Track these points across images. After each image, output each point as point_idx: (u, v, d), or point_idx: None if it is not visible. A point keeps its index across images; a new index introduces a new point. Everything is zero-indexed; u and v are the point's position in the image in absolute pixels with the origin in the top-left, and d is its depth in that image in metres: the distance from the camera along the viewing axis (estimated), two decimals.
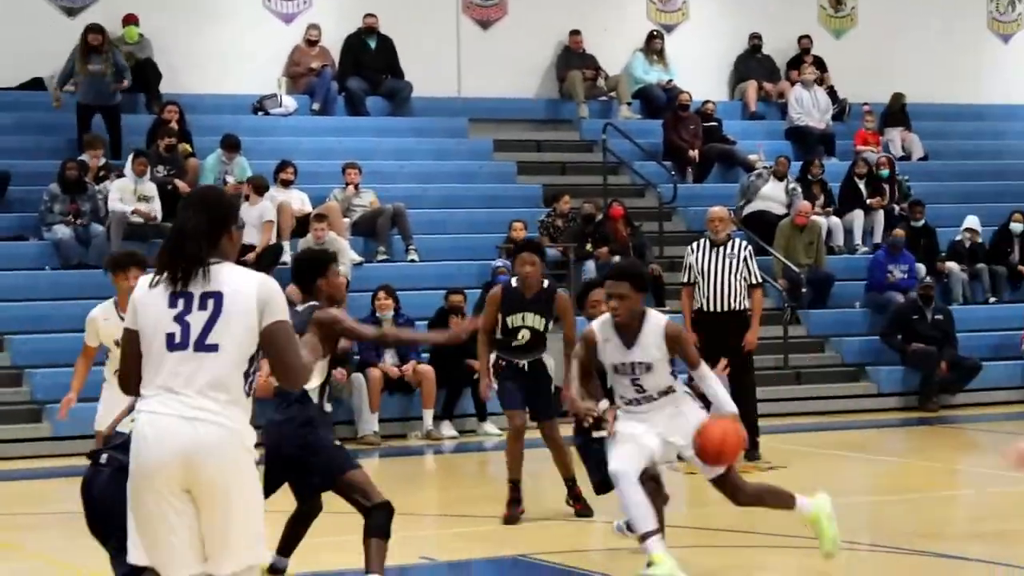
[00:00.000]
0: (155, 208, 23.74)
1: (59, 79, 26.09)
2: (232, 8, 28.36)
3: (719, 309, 18.84)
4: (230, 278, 7.67)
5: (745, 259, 19.00)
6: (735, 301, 18.83)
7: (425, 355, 22.38)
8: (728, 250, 19.02)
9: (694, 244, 19.43)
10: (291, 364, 7.80)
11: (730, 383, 19.19)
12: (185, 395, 7.61)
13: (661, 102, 29.77)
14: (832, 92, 30.87)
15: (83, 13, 27.43)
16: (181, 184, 24.37)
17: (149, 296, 7.66)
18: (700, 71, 30.75)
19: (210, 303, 7.58)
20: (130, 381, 7.80)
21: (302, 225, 23.98)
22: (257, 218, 23.58)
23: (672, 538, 12.38)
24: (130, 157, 24.11)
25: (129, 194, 23.68)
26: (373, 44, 28.67)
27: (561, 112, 29.76)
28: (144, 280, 7.78)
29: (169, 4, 27.31)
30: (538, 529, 14.76)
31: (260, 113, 27.80)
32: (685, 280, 19.25)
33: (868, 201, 27.94)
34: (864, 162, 28.46)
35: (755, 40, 31.18)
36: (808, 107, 30.30)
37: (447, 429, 22.11)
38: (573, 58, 29.78)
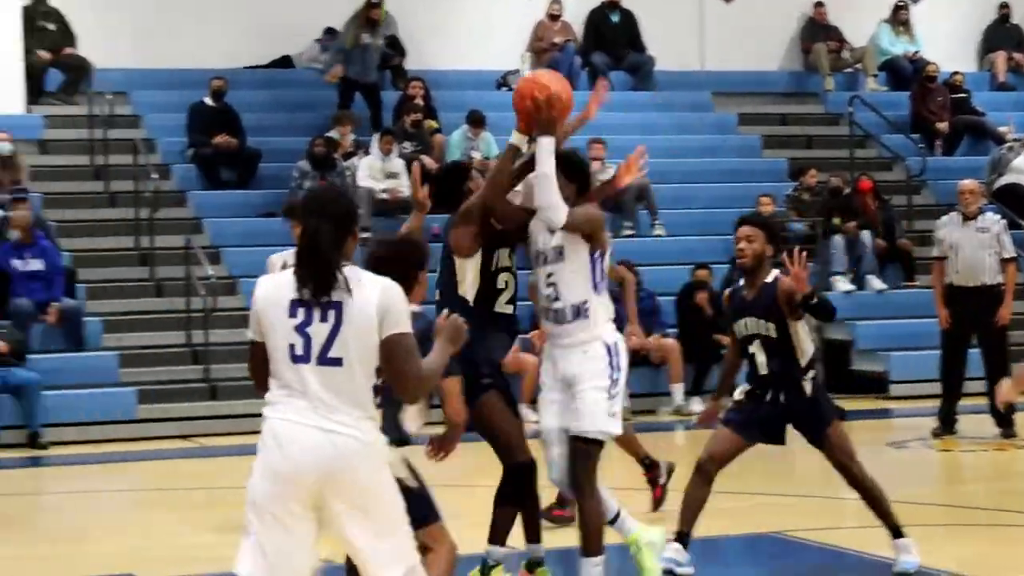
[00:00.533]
0: (402, 184, 24.01)
1: (332, 55, 26.57)
2: None
3: (971, 284, 18.69)
4: (354, 285, 7.60)
5: (998, 233, 18.84)
6: (987, 275, 18.66)
7: (672, 329, 22.45)
8: (979, 224, 18.89)
9: (944, 218, 19.34)
10: (408, 376, 7.70)
11: (984, 359, 19.15)
12: (317, 406, 7.60)
13: (907, 73, 29.58)
14: None
15: None
16: (427, 160, 24.56)
17: (269, 304, 7.64)
18: (947, 42, 30.49)
19: (331, 315, 7.55)
20: (256, 382, 7.81)
21: None
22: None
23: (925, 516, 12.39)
24: (376, 135, 24.41)
25: (377, 171, 24.00)
26: (615, 18, 28.78)
27: (806, 85, 29.68)
28: (264, 287, 7.75)
29: None
30: (793, 505, 14.76)
31: (504, 88, 27.92)
32: (936, 254, 19.17)
33: None
34: None
35: (1004, 9, 30.90)
36: None
37: (696, 405, 22.12)
38: (817, 30, 29.69)
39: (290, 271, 7.63)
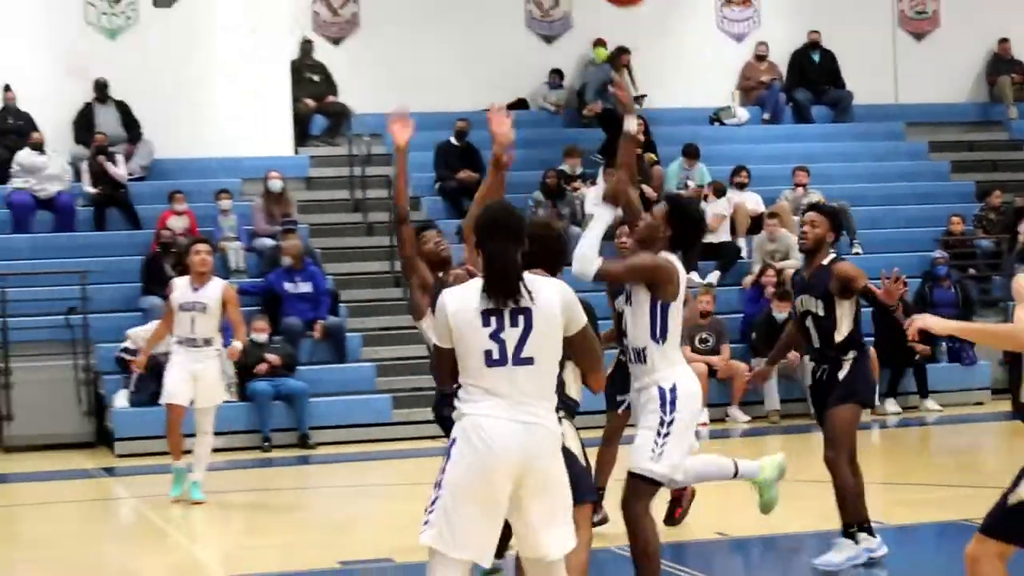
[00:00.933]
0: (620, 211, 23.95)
1: (593, 93, 26.80)
2: (689, 29, 28.47)
3: None
4: (535, 292, 7.71)
5: None
6: None
7: (869, 337, 22.21)
8: None
9: None
10: (599, 362, 8.05)
11: None
12: (514, 401, 7.70)
13: None
14: None
15: (559, 40, 27.87)
16: (648, 189, 24.47)
17: (460, 316, 7.70)
18: None
19: (520, 319, 7.63)
20: (441, 378, 8.04)
21: (756, 223, 24.03)
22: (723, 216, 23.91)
23: None
24: (600, 168, 24.37)
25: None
26: (817, 57, 28.58)
27: (991, 114, 29.24)
28: (453, 300, 7.80)
29: (632, 28, 27.48)
30: (983, 495, 14.53)
31: (716, 123, 27.90)
32: None
33: None
34: None
35: None
36: None
37: (891, 406, 21.89)
38: (1002, 64, 29.27)
39: (473, 284, 7.72)
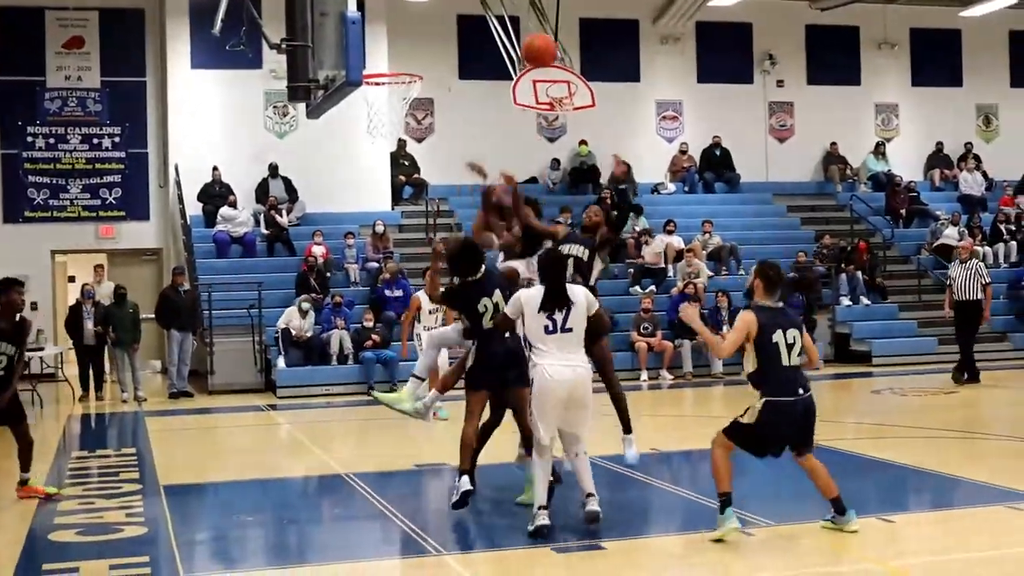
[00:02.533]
0: None
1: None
2: (639, 133, 28.48)
3: (966, 299, 19.03)
4: (572, 294, 8.71)
5: (978, 270, 19.12)
6: (974, 295, 18.99)
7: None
8: (968, 265, 19.16)
9: (952, 263, 19.82)
10: (608, 326, 9.68)
11: (965, 340, 19.13)
12: (564, 354, 8.65)
13: (883, 182, 28.97)
14: (985, 174, 29.67)
15: (558, 140, 27.95)
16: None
17: (529, 305, 8.66)
18: (906, 164, 29.84)
19: (565, 308, 8.65)
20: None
21: (679, 255, 24.05)
22: (658, 251, 23.89)
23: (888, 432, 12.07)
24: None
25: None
26: (718, 152, 28.58)
27: (825, 189, 29.05)
28: (526, 295, 8.73)
29: (604, 134, 27.49)
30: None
31: (655, 193, 27.92)
32: (948, 283, 19.51)
33: (1005, 237, 26.83)
34: (1003, 214, 27.42)
35: (939, 145, 30.19)
36: (971, 183, 29.28)
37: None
38: (832, 158, 29.18)
39: (539, 289, 8.76)
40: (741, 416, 8.54)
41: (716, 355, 8.83)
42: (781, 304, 8.65)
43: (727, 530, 8.44)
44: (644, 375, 21.07)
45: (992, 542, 8.51)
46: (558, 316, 8.64)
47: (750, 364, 8.52)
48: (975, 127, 30.79)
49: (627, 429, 10.16)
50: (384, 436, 14.86)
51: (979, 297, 18.83)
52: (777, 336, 8.38)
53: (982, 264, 19.71)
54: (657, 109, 28.71)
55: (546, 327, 8.64)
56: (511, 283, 9.50)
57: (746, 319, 8.44)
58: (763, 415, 8.41)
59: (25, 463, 11.21)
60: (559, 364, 8.61)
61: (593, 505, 8.96)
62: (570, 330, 8.67)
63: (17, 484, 11.16)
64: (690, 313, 8.98)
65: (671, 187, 28.14)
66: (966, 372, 19.03)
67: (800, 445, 8.61)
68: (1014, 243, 26.72)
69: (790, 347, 8.41)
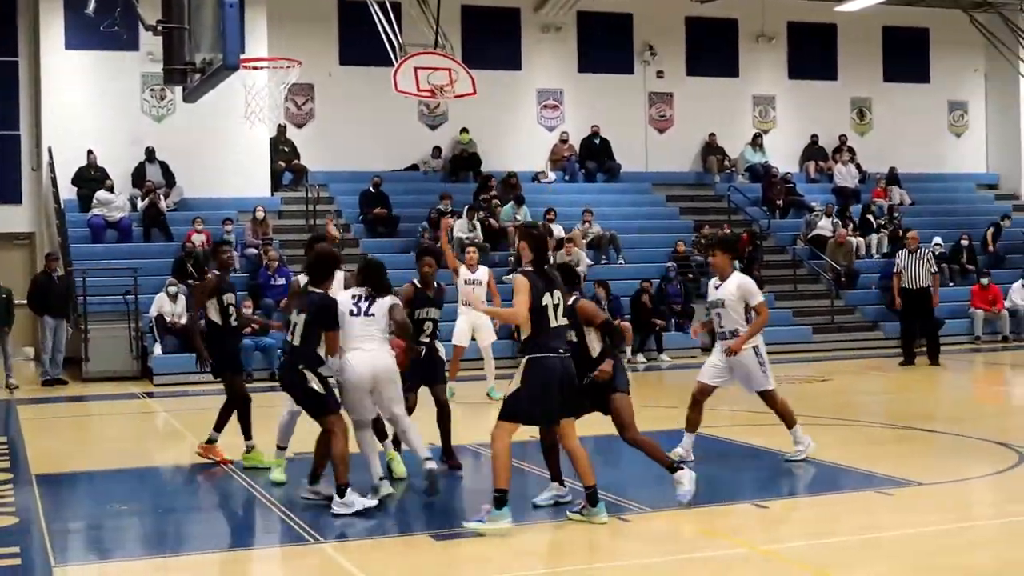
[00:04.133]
0: (479, 235, 24.01)
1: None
2: (519, 121, 28.57)
3: (914, 287, 19.94)
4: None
5: (927, 258, 20.09)
6: (922, 282, 19.93)
7: (628, 315, 22.45)
8: (918, 255, 20.07)
9: (900, 252, 20.54)
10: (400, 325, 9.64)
11: (919, 328, 20.17)
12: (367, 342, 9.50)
13: (760, 173, 29.38)
14: (858, 167, 30.32)
15: (439, 128, 27.91)
16: (493, 222, 24.65)
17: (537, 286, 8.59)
18: (783, 155, 30.31)
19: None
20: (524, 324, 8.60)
21: (559, 244, 24.12)
22: None
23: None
24: (466, 208, 24.44)
25: (465, 230, 24.01)
26: (598, 141, 28.76)
27: (704, 179, 29.45)
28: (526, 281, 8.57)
29: (485, 122, 27.57)
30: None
31: (535, 182, 28.02)
32: (896, 271, 20.26)
33: (876, 228, 27.46)
34: (875, 205, 28.05)
35: (814, 137, 30.74)
36: (845, 175, 29.89)
37: (640, 358, 22.16)
38: (711, 149, 29.57)
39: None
40: (508, 392, 8.64)
41: (516, 323, 8.66)
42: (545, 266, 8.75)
43: (498, 527, 8.39)
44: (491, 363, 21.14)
45: (863, 525, 8.71)
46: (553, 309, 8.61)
47: (525, 328, 8.55)
48: (849, 120, 31.42)
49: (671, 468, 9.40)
50: (263, 424, 14.76)
51: (927, 285, 19.61)
52: (546, 299, 8.55)
53: (931, 253, 20.50)
54: (538, 98, 28.81)
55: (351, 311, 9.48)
56: None
57: (522, 281, 8.57)
58: (528, 373, 8.50)
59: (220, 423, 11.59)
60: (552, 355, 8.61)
61: (429, 464, 9.64)
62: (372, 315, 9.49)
63: (204, 441, 11.59)
64: (475, 302, 9.49)
65: (552, 176, 28.26)
66: (905, 355, 20.14)
67: (564, 413, 8.68)
68: (884, 234, 27.32)
69: (556, 308, 8.61)
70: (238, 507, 10.04)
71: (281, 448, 10.64)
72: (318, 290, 9.44)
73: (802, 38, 30.72)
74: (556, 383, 8.51)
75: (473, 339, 16.45)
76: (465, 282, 15.68)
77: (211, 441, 11.62)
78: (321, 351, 9.30)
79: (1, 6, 24.60)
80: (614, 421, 9.31)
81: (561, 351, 8.59)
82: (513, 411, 8.53)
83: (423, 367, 10.67)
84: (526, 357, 8.55)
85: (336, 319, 9.25)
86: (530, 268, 8.67)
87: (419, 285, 10.85)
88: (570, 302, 8.96)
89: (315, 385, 9.25)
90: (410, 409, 10.26)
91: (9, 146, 24.59)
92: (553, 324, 8.55)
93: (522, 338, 8.66)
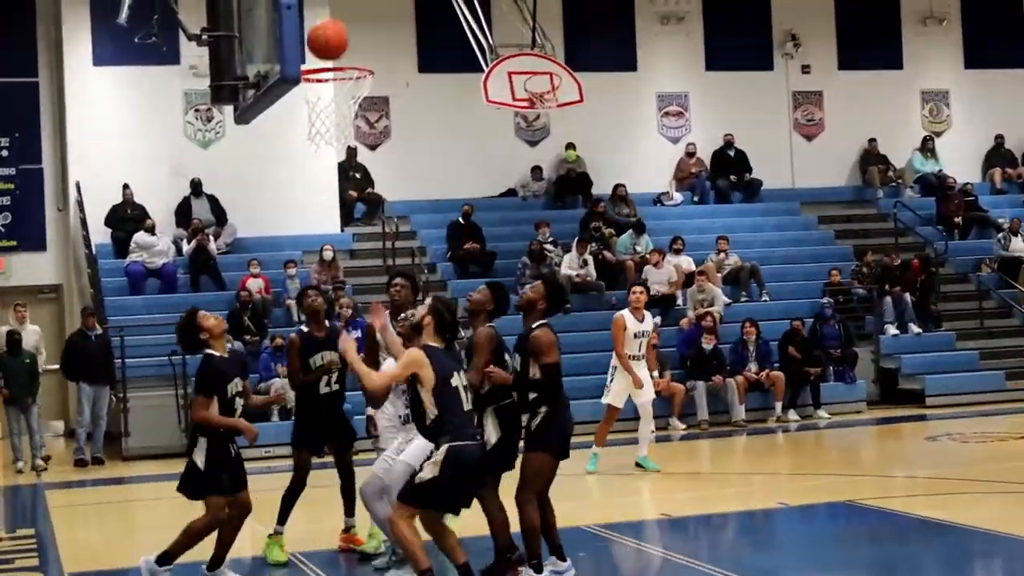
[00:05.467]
0: (591, 272, 24.05)
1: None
2: (638, 135, 28.55)
3: None
4: None
5: None
6: None
7: (776, 363, 22.26)
8: None
9: None
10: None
11: None
12: None
13: (934, 184, 29.06)
14: None
15: (540, 144, 27.99)
16: (608, 255, 24.65)
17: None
18: (961, 162, 29.88)
19: None
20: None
21: (690, 279, 24.09)
22: (665, 276, 23.82)
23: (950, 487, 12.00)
24: (575, 240, 24.44)
25: (574, 263, 24.04)
26: (732, 153, 28.66)
27: (864, 194, 29.16)
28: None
29: (595, 135, 27.63)
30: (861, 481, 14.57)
31: (658, 204, 28.00)
32: None
33: None
34: None
35: (999, 139, 30.33)
36: None
37: (792, 415, 21.95)
38: (871, 157, 29.30)
39: None
40: (417, 477, 8.97)
41: (367, 385, 9.17)
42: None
43: None
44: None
45: None
46: None
47: (431, 410, 8.90)
48: None
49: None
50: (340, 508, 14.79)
51: None
52: (455, 379, 8.99)
53: None
54: (658, 103, 28.82)
55: None
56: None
57: (415, 357, 8.93)
58: (447, 464, 8.83)
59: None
60: None
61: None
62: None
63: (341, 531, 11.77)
64: (347, 346, 9.44)
65: (677, 197, 28.19)
66: None
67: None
68: None
69: (465, 389, 9.08)
70: None
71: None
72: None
73: (981, 17, 30.37)
74: (475, 471, 9.02)
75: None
76: (635, 335, 15.70)
77: (348, 529, 11.81)
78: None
79: (18, 17, 25.15)
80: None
81: (479, 438, 9.19)
82: (426, 499, 8.93)
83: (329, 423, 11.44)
84: (447, 446, 8.85)
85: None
86: (429, 342, 9.05)
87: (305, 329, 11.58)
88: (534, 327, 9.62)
89: None
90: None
91: (31, 183, 25.07)
92: (466, 407, 9.06)
93: (421, 418, 9.01)
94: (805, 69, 29.50)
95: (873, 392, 23.21)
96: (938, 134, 30.16)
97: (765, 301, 24.69)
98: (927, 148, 29.77)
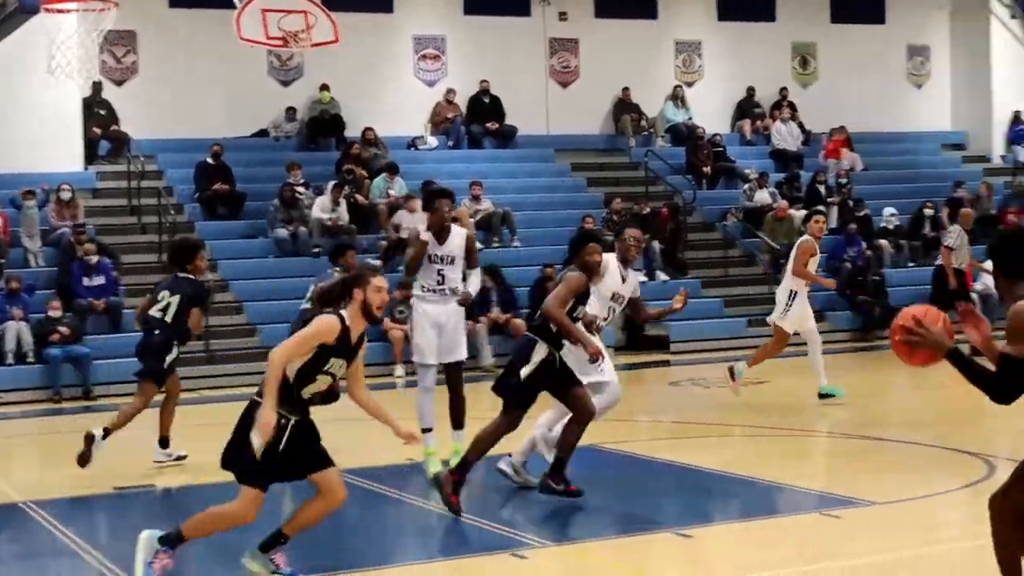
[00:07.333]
0: (343, 215, 24.01)
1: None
2: (394, 78, 28.49)
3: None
4: None
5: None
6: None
7: (525, 310, 22.53)
8: None
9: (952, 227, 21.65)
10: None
11: None
12: None
13: (684, 134, 29.74)
14: (801, 126, 30.73)
15: (294, 84, 27.76)
16: (360, 198, 24.62)
17: None
18: (711, 112, 30.64)
19: None
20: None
21: None
22: (420, 220, 23.83)
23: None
24: (330, 184, 24.32)
25: (326, 206, 23.97)
26: (487, 100, 28.81)
27: (616, 143, 29.73)
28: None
29: (350, 77, 27.51)
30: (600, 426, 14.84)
31: (412, 148, 28.02)
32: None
33: (827, 199, 27.79)
34: (823, 173, 28.44)
35: (750, 90, 31.12)
36: (785, 136, 30.29)
37: None
38: (624, 106, 29.78)
39: None
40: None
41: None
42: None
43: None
44: (400, 370, 21.13)
45: (797, 556, 8.83)
46: None
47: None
48: (790, 69, 31.86)
49: None
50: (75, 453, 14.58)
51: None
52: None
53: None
54: (415, 46, 28.81)
55: None
56: None
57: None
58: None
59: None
60: None
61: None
62: None
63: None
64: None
65: (432, 141, 28.27)
66: None
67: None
68: (833, 206, 27.65)
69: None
70: (43, 556, 9.89)
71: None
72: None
73: None
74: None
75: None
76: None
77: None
78: None
79: None
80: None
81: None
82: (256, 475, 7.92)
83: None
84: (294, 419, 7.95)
85: None
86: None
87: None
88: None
89: None
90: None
91: None
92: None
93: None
94: (562, 16, 29.76)
95: (621, 338, 23.62)
96: (690, 84, 30.81)
97: (517, 246, 24.94)
98: (678, 98, 30.34)
